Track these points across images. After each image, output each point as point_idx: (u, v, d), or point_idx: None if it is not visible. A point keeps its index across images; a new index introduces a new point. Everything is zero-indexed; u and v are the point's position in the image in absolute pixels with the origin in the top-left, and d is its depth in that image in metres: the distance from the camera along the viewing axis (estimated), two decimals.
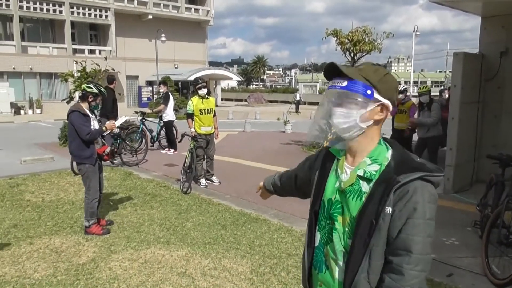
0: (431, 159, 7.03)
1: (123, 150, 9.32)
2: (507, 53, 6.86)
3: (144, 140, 10.04)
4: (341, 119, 1.36)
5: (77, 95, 11.62)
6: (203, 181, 7.28)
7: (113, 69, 12.28)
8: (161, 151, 11.00)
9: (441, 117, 7.38)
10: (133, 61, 31.24)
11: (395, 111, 7.70)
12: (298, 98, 31.08)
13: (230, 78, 40.19)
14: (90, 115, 4.82)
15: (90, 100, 4.83)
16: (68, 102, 11.34)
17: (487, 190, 4.89)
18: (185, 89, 32.07)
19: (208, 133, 7.26)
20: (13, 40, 26.58)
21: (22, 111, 25.65)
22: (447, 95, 10.99)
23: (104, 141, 5.20)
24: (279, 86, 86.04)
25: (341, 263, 1.39)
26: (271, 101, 44.11)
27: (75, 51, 28.86)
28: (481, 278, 3.80)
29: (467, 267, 4.01)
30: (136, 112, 10.87)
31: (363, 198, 1.33)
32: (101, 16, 29.88)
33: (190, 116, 7.24)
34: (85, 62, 11.25)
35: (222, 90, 47.15)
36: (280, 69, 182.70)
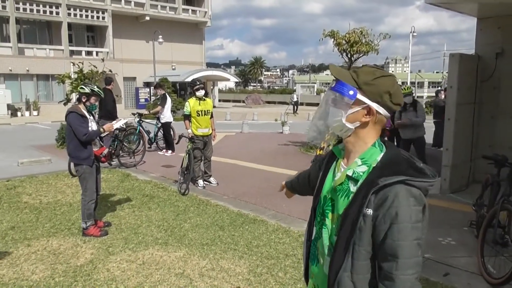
0: (421, 158, 7.09)
1: (120, 151, 9.31)
2: (503, 54, 6.90)
3: (141, 142, 10.04)
4: (332, 118, 1.43)
5: (74, 96, 11.63)
6: (200, 182, 7.29)
7: (110, 71, 12.31)
8: (159, 153, 11.00)
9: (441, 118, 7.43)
10: (131, 62, 31.19)
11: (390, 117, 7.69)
12: (295, 99, 31.10)
13: (228, 79, 40.18)
14: (87, 116, 4.82)
15: (84, 100, 4.84)
16: (65, 104, 11.34)
17: (483, 190, 4.93)
18: (182, 91, 32.07)
19: (205, 135, 7.28)
20: (9, 42, 26.52)
21: (19, 113, 25.60)
22: (443, 96, 11.05)
23: (102, 143, 5.19)
24: (276, 87, 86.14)
25: (328, 258, 1.43)
26: (268, 102, 44.14)
27: (72, 52, 28.81)
28: (477, 277, 3.83)
29: (463, 267, 4.04)
30: (134, 114, 10.88)
31: (350, 198, 1.36)
32: (98, 17, 29.84)
33: (187, 117, 7.25)
34: (82, 63, 11.25)
35: (220, 91, 47.16)
36: (278, 70, 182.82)
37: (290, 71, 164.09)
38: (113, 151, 8.89)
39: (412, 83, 47.60)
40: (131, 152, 9.59)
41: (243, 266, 4.04)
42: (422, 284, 3.69)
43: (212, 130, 7.42)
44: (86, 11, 29.20)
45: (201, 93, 7.18)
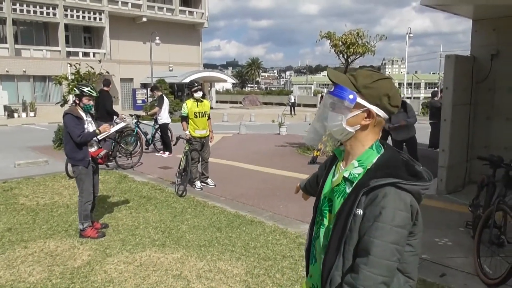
0: (414, 158, 7.11)
1: (118, 153, 9.30)
2: (498, 56, 6.95)
3: (139, 143, 10.03)
4: (332, 122, 1.43)
5: (71, 98, 11.59)
6: (198, 183, 7.30)
7: (107, 72, 12.27)
8: (156, 154, 10.99)
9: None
10: (128, 63, 31.16)
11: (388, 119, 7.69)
12: (292, 100, 31.12)
13: (225, 81, 40.20)
14: (84, 117, 4.82)
15: (77, 102, 4.85)
16: (62, 105, 11.30)
17: (479, 191, 4.95)
18: (179, 92, 32.05)
19: (202, 136, 7.28)
20: (6, 43, 26.44)
21: (15, 114, 25.52)
22: (439, 96, 11.11)
23: (100, 145, 5.17)
24: (274, 88, 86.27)
25: (323, 257, 1.45)
26: (265, 103, 44.19)
27: (69, 53, 28.75)
28: (473, 278, 3.85)
29: (460, 267, 4.06)
30: (131, 115, 10.87)
31: (344, 199, 1.39)
32: (95, 18, 29.81)
33: (185, 119, 7.25)
34: (79, 65, 11.22)
35: (217, 92, 47.18)
36: (275, 71, 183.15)
37: (287, 72, 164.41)
38: (110, 153, 8.87)
39: (409, 84, 47.78)
40: (128, 153, 9.58)
41: (240, 268, 4.05)
42: (418, 285, 3.70)
43: (209, 131, 7.43)
44: (83, 12, 29.16)
45: (199, 94, 7.19)
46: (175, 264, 4.12)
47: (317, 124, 1.53)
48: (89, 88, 4.84)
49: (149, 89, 23.87)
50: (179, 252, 4.43)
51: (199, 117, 7.17)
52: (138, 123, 10.38)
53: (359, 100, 1.39)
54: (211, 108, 8.14)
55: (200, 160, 7.36)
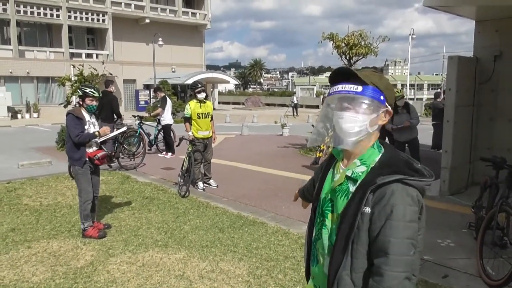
0: (417, 159, 7.09)
1: (120, 153, 9.33)
2: (501, 57, 6.94)
3: (141, 144, 10.05)
4: (352, 124, 1.39)
5: (74, 99, 11.65)
6: (200, 184, 7.31)
7: (110, 73, 12.32)
8: (159, 155, 11.02)
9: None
10: (131, 65, 31.26)
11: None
12: (295, 101, 31.13)
13: (228, 82, 40.24)
14: (86, 118, 4.85)
15: (80, 103, 4.91)
16: (65, 106, 11.33)
17: (482, 192, 4.94)
18: (182, 93, 32.11)
19: (205, 137, 7.29)
20: (10, 44, 26.58)
21: (19, 115, 25.64)
22: (442, 97, 11.08)
23: (103, 146, 5.18)
24: (276, 90, 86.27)
25: (328, 258, 1.45)
26: (268, 104, 44.20)
27: (72, 55, 28.88)
28: (475, 279, 3.84)
29: (462, 269, 4.05)
30: (134, 116, 10.90)
31: (349, 198, 1.39)
32: (98, 20, 29.92)
33: (188, 120, 7.26)
34: (82, 66, 11.27)
35: (220, 93, 47.22)
36: (278, 72, 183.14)
37: (290, 74, 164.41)
38: (113, 153, 8.90)
39: (412, 85, 47.70)
40: (131, 154, 9.60)
41: (242, 268, 4.06)
42: (421, 286, 3.69)
43: (212, 132, 7.44)
44: (87, 13, 29.29)
45: (202, 95, 7.21)
46: (177, 265, 4.13)
47: (320, 124, 1.53)
48: (91, 89, 4.88)
49: (152, 90, 23.95)
50: (181, 252, 4.44)
51: (202, 118, 7.19)
52: (141, 124, 10.42)
53: (385, 101, 1.41)
54: (214, 109, 8.14)
55: (202, 161, 7.37)
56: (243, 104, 43.48)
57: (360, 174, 1.40)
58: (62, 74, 13.52)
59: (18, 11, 26.44)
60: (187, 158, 7.06)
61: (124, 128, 6.17)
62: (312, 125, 12.34)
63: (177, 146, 9.31)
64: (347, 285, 1.37)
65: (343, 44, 10.99)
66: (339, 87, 1.41)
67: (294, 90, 53.12)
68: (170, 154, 10.83)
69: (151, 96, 28.28)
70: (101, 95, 5.18)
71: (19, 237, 4.87)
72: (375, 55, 11.39)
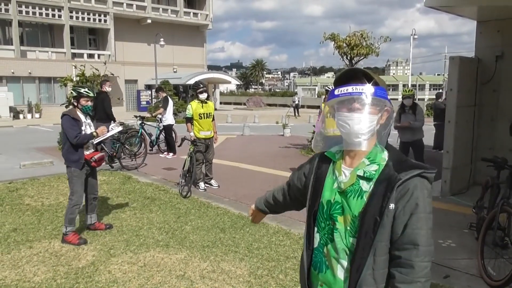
0: (420, 161, 7.06)
1: (122, 154, 9.34)
2: (503, 57, 6.93)
3: (143, 144, 10.07)
4: (363, 124, 1.39)
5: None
6: (201, 184, 7.32)
7: (112, 74, 12.32)
8: (160, 155, 11.03)
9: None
10: (132, 65, 31.32)
11: None
12: (296, 102, 31.12)
13: (229, 82, 40.28)
14: (82, 119, 4.76)
15: (75, 103, 4.79)
16: (67, 107, 11.35)
17: (483, 193, 4.94)
18: (184, 93, 32.14)
19: (207, 137, 7.29)
20: (12, 44, 26.67)
21: (21, 116, 25.71)
22: (443, 98, 11.07)
23: (96, 148, 5.14)
24: (278, 90, 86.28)
25: (343, 261, 1.44)
26: (269, 105, 44.24)
27: (74, 55, 28.95)
28: (477, 279, 3.84)
29: (464, 269, 4.05)
30: (135, 116, 10.91)
31: (364, 197, 1.40)
32: (100, 20, 29.98)
33: (189, 120, 7.26)
34: (84, 66, 11.29)
35: (221, 93, 47.23)
36: (279, 72, 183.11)
37: (291, 74, 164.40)
38: (114, 154, 8.92)
39: (413, 85, 47.59)
40: (133, 154, 9.62)
41: (243, 268, 4.06)
42: None
43: (214, 132, 7.45)
44: (88, 14, 29.35)
45: (204, 96, 7.22)
46: (178, 265, 4.14)
47: (327, 128, 1.58)
48: (86, 89, 4.78)
49: (153, 90, 23.97)
50: (182, 252, 4.45)
51: (204, 118, 7.19)
52: (143, 124, 10.43)
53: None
54: (215, 109, 8.15)
55: (204, 161, 7.38)
56: (244, 104, 43.51)
57: (374, 172, 1.42)
58: (64, 75, 13.54)
59: (20, 12, 26.51)
60: (189, 158, 7.07)
61: (121, 128, 6.13)
62: (313, 126, 12.33)
63: (179, 146, 9.33)
64: (370, 285, 1.38)
65: (344, 45, 11.00)
66: (348, 88, 1.40)
67: (296, 90, 53.07)
68: (171, 154, 10.84)
69: (153, 96, 28.33)
70: (95, 95, 5.11)
71: (21, 237, 4.89)
72: (376, 55, 11.39)
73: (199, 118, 7.16)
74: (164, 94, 11.40)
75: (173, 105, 12.16)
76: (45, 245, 4.66)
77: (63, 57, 28.29)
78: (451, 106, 6.63)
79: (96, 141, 4.93)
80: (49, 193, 6.97)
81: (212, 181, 7.56)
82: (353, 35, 10.98)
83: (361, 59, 11.28)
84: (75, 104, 4.80)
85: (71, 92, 4.84)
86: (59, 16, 28.10)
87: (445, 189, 6.68)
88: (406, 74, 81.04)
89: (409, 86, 42.39)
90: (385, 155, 1.45)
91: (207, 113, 7.22)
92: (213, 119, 7.40)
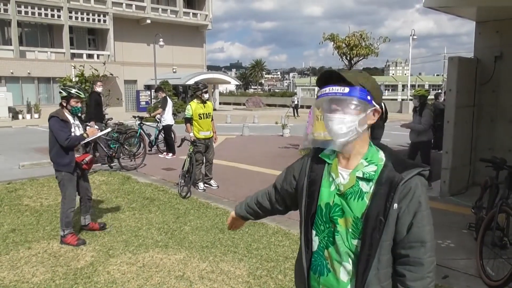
0: (424, 162, 7.04)
1: (121, 154, 9.34)
2: (502, 58, 6.94)
3: (142, 145, 10.07)
4: (341, 125, 1.40)
5: None
6: (201, 185, 7.31)
7: (111, 74, 12.31)
8: (159, 155, 11.03)
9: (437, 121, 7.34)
10: (132, 65, 31.31)
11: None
12: (296, 102, 31.11)
13: (229, 82, 40.28)
14: (71, 121, 4.62)
15: (64, 104, 4.63)
16: None
17: (482, 193, 4.94)
18: (183, 94, 32.13)
19: (207, 138, 7.28)
20: (11, 44, 26.65)
21: (20, 116, 25.69)
22: (443, 98, 11.06)
23: (86, 150, 5.09)
24: (277, 90, 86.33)
25: (347, 264, 1.44)
26: (269, 105, 44.22)
27: (73, 55, 28.94)
28: (475, 279, 3.84)
29: (462, 269, 4.05)
30: (134, 117, 10.90)
31: (365, 198, 1.39)
32: (99, 20, 29.97)
33: (189, 120, 7.25)
34: (83, 66, 11.30)
35: (220, 94, 47.23)
36: (279, 73, 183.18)
37: (291, 74, 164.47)
38: (113, 154, 8.92)
39: (413, 86, 47.65)
40: (132, 155, 9.61)
41: (243, 269, 4.06)
42: None
43: (213, 132, 7.44)
44: (88, 14, 29.34)
45: (207, 96, 7.23)
46: (177, 265, 4.14)
47: (311, 128, 1.60)
48: (76, 90, 4.61)
49: (153, 90, 23.96)
50: (181, 253, 4.45)
51: (204, 118, 7.18)
52: (142, 124, 10.42)
53: (373, 100, 1.43)
54: (214, 109, 8.15)
55: (204, 161, 7.37)
56: (244, 104, 43.49)
57: (373, 173, 1.41)
58: (63, 75, 13.57)
59: (19, 12, 26.50)
60: (188, 159, 7.06)
61: (109, 129, 6.06)
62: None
63: (178, 147, 9.32)
64: (376, 285, 1.39)
65: (343, 45, 11.01)
66: (327, 89, 1.43)
67: (295, 90, 53.09)
68: (170, 154, 10.84)
69: (152, 97, 28.32)
70: (85, 96, 5.00)
71: (20, 238, 4.88)
72: (375, 56, 11.41)
73: (199, 119, 7.15)
74: (164, 94, 11.39)
75: (173, 106, 12.15)
76: (43, 245, 4.65)
77: (62, 57, 28.28)
78: (450, 106, 6.63)
79: (86, 140, 4.78)
80: (48, 193, 6.96)
81: (212, 182, 7.56)
82: (353, 35, 10.99)
83: (360, 60, 11.30)
84: (64, 104, 4.61)
85: (60, 92, 4.63)
86: (58, 16, 28.09)
87: (444, 190, 6.69)
88: (405, 74, 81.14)
89: (408, 86, 42.46)
90: (382, 155, 1.45)
91: (206, 113, 7.22)
92: (212, 119, 7.40)
